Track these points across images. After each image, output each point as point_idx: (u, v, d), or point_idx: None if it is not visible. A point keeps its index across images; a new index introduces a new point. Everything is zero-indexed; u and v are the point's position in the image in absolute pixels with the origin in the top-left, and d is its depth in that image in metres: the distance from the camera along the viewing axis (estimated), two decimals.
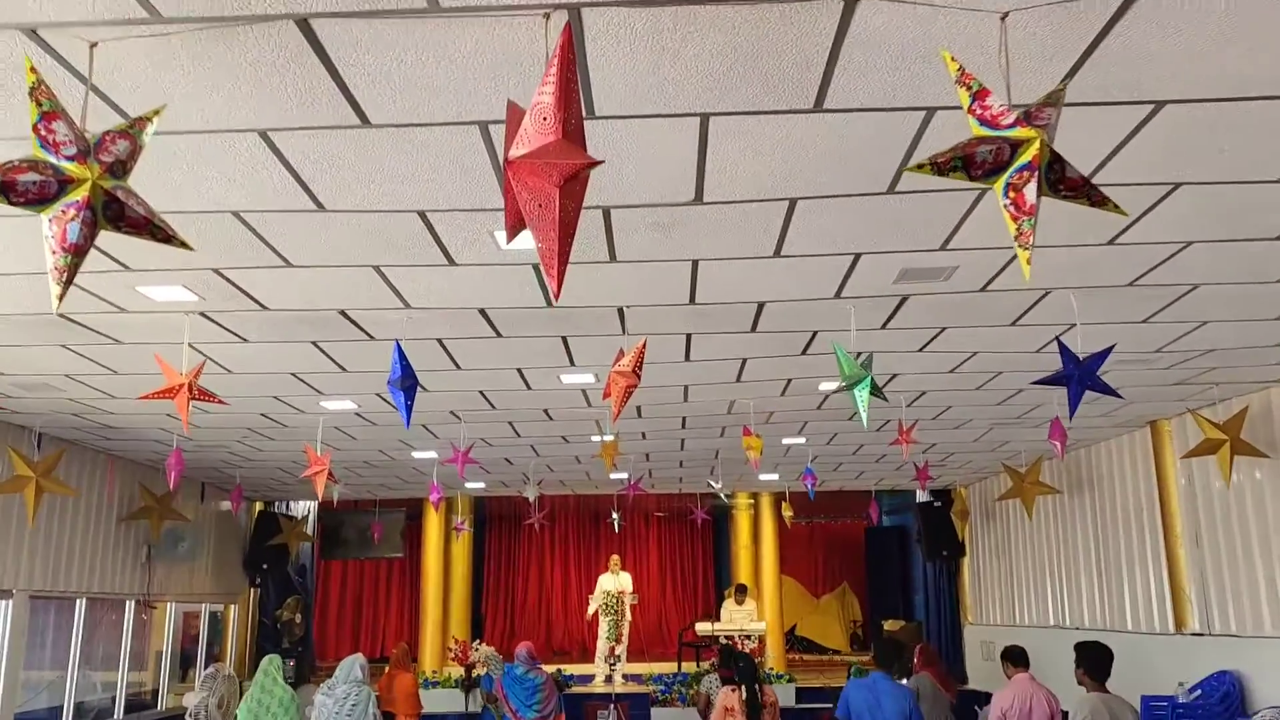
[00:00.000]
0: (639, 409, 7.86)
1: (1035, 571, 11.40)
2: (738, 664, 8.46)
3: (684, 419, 8.41)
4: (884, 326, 5.64)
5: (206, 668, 10.03)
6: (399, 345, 4.88)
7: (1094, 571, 10.06)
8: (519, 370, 6.50)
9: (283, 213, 3.83)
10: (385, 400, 7.41)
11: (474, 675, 12.35)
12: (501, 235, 4.09)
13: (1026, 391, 7.52)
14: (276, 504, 13.86)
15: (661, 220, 3.99)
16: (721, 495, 9.34)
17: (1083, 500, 10.21)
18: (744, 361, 6.44)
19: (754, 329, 5.65)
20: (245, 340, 5.63)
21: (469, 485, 12.45)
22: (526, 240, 2.76)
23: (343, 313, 5.17)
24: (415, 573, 17.03)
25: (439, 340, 5.74)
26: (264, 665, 8.02)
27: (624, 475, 11.23)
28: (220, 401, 5.16)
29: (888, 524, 20.48)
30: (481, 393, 7.10)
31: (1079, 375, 4.82)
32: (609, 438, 7.54)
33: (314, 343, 5.73)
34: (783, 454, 10.45)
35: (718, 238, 4.21)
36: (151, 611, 10.72)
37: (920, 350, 6.24)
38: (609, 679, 12.12)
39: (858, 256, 4.48)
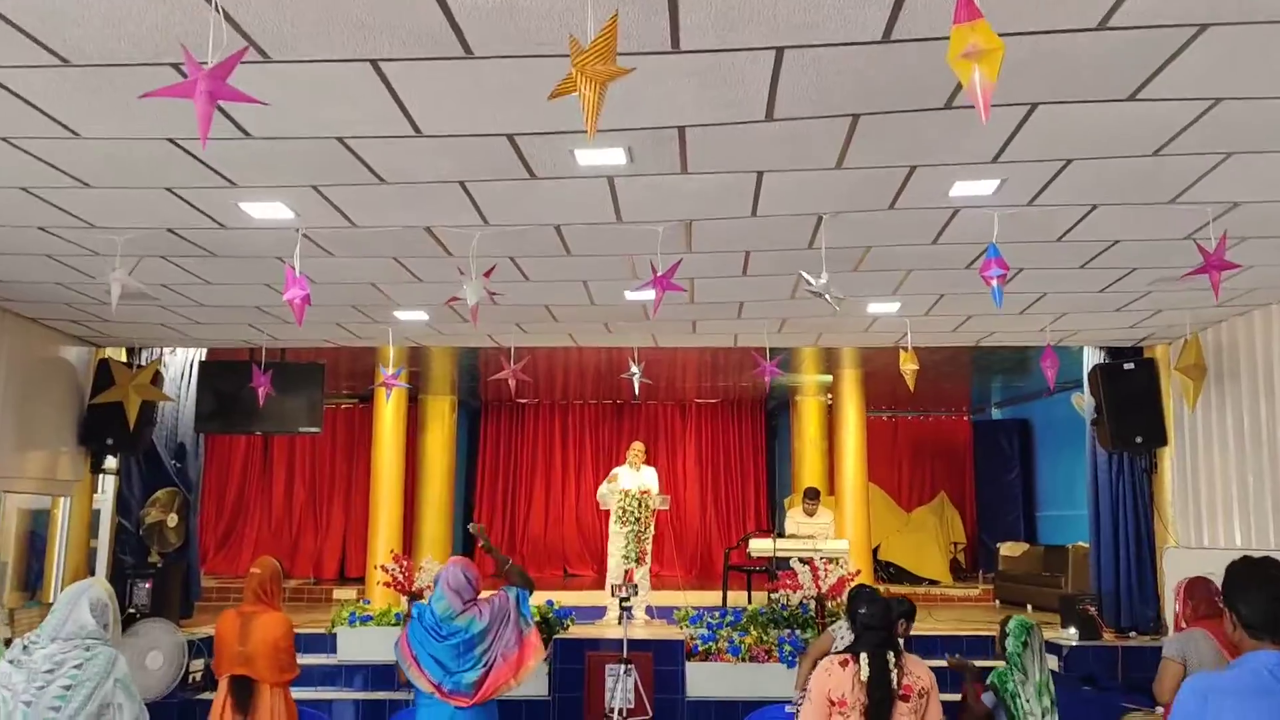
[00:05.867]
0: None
1: None
2: (855, 610, 4.34)
3: (771, 94, 3.74)
4: None
5: None
6: None
7: None
8: None
9: None
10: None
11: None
12: None
13: None
14: (146, 353, 9.41)
15: None
16: (827, 297, 4.67)
17: None
18: None
19: None
20: None
21: (404, 317, 7.86)
22: None
23: None
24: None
25: None
26: None
27: (646, 295, 6.58)
28: None
29: (1000, 417, 15.86)
30: None
31: None
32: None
33: None
34: (934, 235, 5.74)
35: None
36: None
37: None
38: (624, 617, 7.66)
39: None
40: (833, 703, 3.99)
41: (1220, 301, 7.40)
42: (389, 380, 7.81)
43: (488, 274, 5.50)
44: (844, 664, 4.04)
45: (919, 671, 4.09)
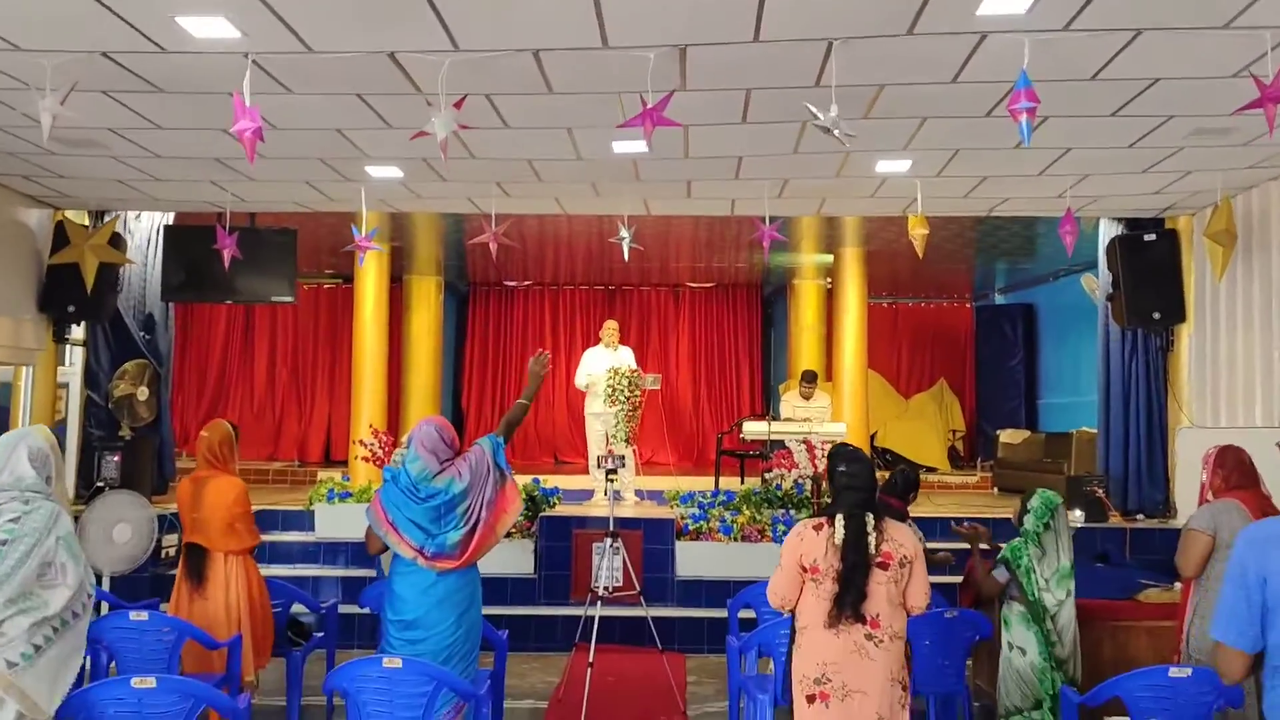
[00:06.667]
0: None
1: None
2: (834, 468, 3.83)
3: None
4: None
5: None
6: None
7: None
8: None
9: None
10: None
11: None
12: None
13: None
14: (109, 217, 8.84)
15: None
16: (836, 133, 4.12)
17: None
18: None
19: None
20: None
21: (376, 173, 7.31)
22: None
23: None
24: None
25: None
26: None
27: (636, 145, 6.02)
28: None
29: (1003, 302, 15.41)
30: None
31: None
32: None
33: None
34: (955, 71, 5.19)
35: None
36: None
37: None
38: (610, 494, 7.29)
39: None
40: (805, 569, 3.58)
41: (1254, 162, 6.88)
42: (362, 243, 7.29)
43: (458, 105, 4.95)
44: (818, 528, 3.61)
45: (901, 538, 3.63)
